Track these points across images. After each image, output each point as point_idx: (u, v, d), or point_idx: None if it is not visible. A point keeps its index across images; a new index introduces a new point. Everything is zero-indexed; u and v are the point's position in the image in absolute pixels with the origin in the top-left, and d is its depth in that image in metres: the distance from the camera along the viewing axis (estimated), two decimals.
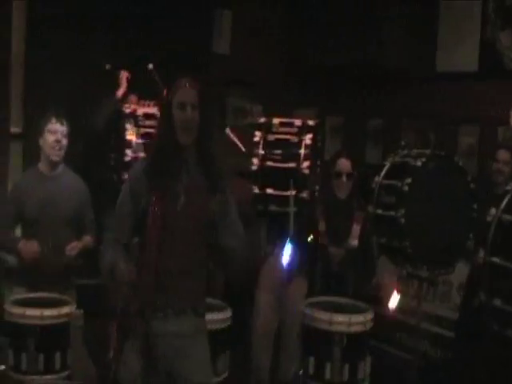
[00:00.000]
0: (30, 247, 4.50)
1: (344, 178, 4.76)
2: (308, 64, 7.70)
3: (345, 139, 7.99)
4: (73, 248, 4.60)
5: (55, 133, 4.62)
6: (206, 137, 3.38)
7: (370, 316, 4.19)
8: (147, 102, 5.20)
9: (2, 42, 6.43)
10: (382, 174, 4.68)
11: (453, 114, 6.74)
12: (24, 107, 6.61)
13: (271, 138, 4.71)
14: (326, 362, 4.01)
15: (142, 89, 5.47)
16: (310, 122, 4.71)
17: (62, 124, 4.66)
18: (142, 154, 4.72)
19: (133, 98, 5.26)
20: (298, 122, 4.72)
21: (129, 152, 4.71)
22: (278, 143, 4.68)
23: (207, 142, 3.39)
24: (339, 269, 4.78)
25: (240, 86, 7.65)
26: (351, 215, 4.84)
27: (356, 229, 4.81)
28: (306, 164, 4.57)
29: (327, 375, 4.00)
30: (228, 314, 4.33)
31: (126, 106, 4.86)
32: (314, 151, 4.71)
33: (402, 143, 5.03)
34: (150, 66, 5.22)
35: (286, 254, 4.79)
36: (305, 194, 4.59)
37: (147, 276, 3.27)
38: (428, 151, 4.72)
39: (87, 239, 4.77)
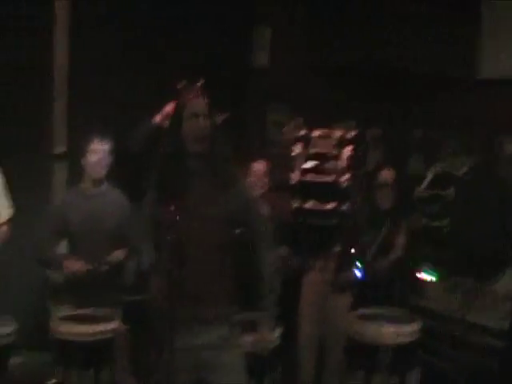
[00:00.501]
0: (76, 265, 4.57)
1: (387, 189, 4.75)
2: (347, 77, 7.68)
3: (386, 150, 7.95)
4: (116, 256, 4.66)
5: (97, 152, 4.70)
6: (218, 144, 3.39)
7: (417, 327, 4.13)
8: None
9: (45, 59, 6.51)
10: (425, 184, 4.66)
11: (495, 122, 6.65)
12: (67, 127, 6.69)
13: (310, 151, 4.69)
14: (374, 374, 3.97)
15: None
16: (349, 134, 4.70)
17: (103, 144, 4.72)
18: None
19: None
20: (336, 134, 4.70)
21: None
22: (317, 156, 4.66)
23: (219, 150, 3.40)
24: (385, 280, 4.76)
25: (279, 101, 7.66)
26: (396, 226, 4.82)
27: (401, 239, 4.79)
28: (345, 177, 4.54)
29: None
30: (276, 333, 4.25)
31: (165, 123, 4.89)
32: (355, 163, 4.69)
33: (444, 153, 5.00)
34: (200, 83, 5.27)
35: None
36: (345, 207, 4.56)
37: (172, 287, 3.26)
38: (471, 160, 4.69)
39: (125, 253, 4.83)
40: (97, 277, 4.61)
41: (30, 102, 6.36)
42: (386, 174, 4.81)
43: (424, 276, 4.93)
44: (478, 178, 4.52)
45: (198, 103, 3.35)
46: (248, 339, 3.68)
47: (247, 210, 3.46)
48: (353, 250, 4.82)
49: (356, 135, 4.69)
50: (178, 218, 3.25)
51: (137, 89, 6.58)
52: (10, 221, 4.72)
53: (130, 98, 6.55)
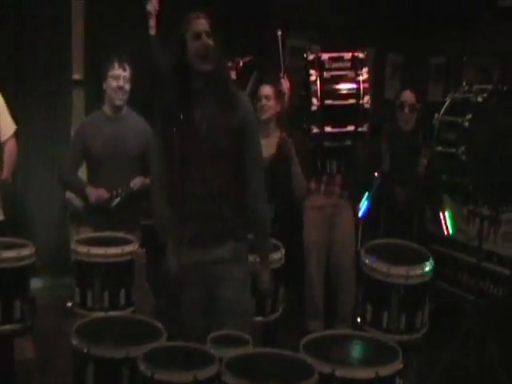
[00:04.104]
0: (99, 193, 4.62)
1: (407, 110, 4.73)
2: (368, 2, 7.56)
3: (406, 77, 7.88)
4: (137, 182, 4.70)
5: (118, 78, 4.71)
6: (222, 63, 3.55)
7: (428, 267, 4.08)
8: None
9: None
10: (443, 110, 4.61)
11: None
12: (85, 54, 6.68)
13: (327, 75, 4.60)
14: (383, 310, 3.99)
15: None
16: (361, 55, 4.58)
17: (124, 69, 4.73)
18: None
19: None
20: (347, 56, 4.58)
21: None
22: (336, 80, 4.57)
23: (223, 68, 3.58)
24: (404, 208, 4.76)
25: (298, 26, 7.56)
26: (417, 152, 4.81)
27: (422, 165, 4.79)
28: (366, 98, 4.46)
29: (384, 324, 3.98)
30: (281, 253, 4.31)
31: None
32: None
33: (464, 82, 4.93)
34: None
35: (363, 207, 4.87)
36: (365, 128, 4.50)
37: (180, 205, 3.47)
38: (490, 87, 4.62)
39: None
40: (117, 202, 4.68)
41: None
42: (407, 95, 4.79)
43: (446, 219, 4.91)
44: (498, 104, 4.44)
45: (200, 23, 3.45)
46: (250, 259, 3.75)
47: (246, 132, 3.52)
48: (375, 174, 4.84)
49: (366, 56, 4.57)
50: (182, 136, 3.43)
51: None
52: (15, 134, 4.88)
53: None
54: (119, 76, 4.72)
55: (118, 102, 4.76)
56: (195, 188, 3.44)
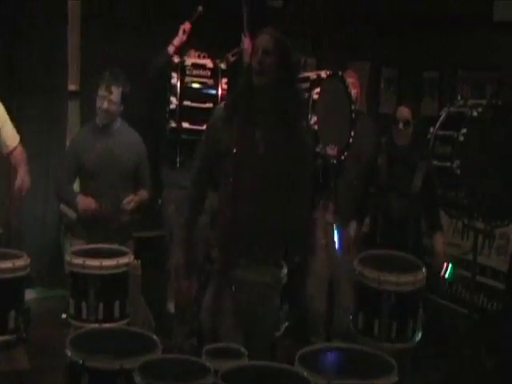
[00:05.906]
0: (87, 203, 4.62)
1: (401, 125, 4.73)
2: (362, 15, 7.58)
3: (400, 91, 7.88)
4: (129, 202, 4.71)
5: (103, 100, 4.70)
6: (282, 82, 3.42)
7: (420, 276, 4.08)
8: (202, 54, 5.22)
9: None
10: (437, 124, 4.64)
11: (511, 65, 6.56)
12: (81, 65, 6.68)
13: None
14: (375, 318, 3.99)
15: (200, 42, 5.48)
16: (323, 74, 4.45)
17: (110, 92, 4.69)
18: (187, 102, 4.73)
19: (192, 52, 5.29)
20: (312, 76, 4.42)
21: (173, 99, 4.72)
22: None
23: (282, 87, 3.43)
24: (400, 219, 4.77)
25: (293, 39, 7.57)
26: (413, 164, 4.82)
27: (418, 178, 4.80)
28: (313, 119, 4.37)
29: (375, 331, 3.98)
30: (284, 272, 4.29)
31: (176, 55, 4.92)
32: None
33: (459, 96, 4.96)
34: (200, 8, 5.29)
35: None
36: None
37: (229, 224, 3.43)
38: (484, 101, 4.65)
39: (143, 193, 4.86)
40: (109, 215, 4.69)
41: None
42: (402, 110, 4.79)
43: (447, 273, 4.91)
44: (493, 119, 4.47)
45: (263, 38, 3.44)
46: None
47: (299, 166, 3.50)
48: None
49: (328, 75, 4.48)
50: (238, 150, 3.36)
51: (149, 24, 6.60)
52: (20, 143, 4.71)
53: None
54: (104, 98, 4.70)
55: (99, 122, 4.77)
56: (245, 209, 3.40)
